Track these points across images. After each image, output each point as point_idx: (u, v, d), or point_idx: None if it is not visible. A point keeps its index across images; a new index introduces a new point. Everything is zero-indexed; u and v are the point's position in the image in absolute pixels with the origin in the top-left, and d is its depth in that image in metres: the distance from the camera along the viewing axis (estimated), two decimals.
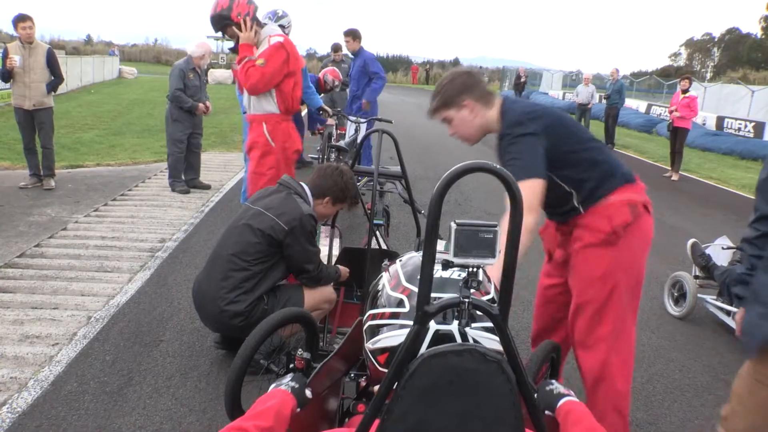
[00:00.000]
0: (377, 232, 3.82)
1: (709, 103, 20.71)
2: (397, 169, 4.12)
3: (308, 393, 1.53)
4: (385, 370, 1.23)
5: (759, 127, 17.07)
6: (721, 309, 4.64)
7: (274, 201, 3.25)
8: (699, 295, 4.79)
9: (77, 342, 3.66)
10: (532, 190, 2.08)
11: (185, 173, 7.89)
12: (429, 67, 58.44)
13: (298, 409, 1.50)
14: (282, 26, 5.45)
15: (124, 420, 2.95)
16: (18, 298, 4.21)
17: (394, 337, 1.28)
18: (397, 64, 66.66)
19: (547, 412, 1.49)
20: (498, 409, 1.08)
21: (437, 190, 1.06)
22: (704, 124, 18.56)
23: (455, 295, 1.11)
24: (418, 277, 1.26)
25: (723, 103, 20.50)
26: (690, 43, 74.38)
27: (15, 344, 3.58)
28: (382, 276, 1.40)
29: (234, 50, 4.22)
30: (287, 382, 1.55)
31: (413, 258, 1.40)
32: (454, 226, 1.08)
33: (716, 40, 71.37)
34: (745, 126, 17.69)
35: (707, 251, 4.90)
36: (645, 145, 16.91)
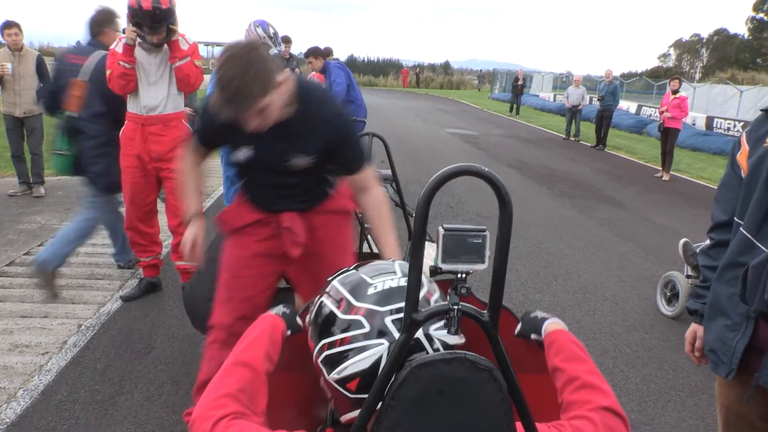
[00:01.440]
0: (368, 236, 3.80)
1: (699, 103, 20.83)
2: (388, 172, 4.10)
3: (299, 322, 1.52)
4: (360, 396, 1.17)
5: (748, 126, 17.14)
6: None
7: None
8: None
9: (67, 350, 3.62)
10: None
11: None
12: (419, 70, 58.54)
13: (289, 333, 1.49)
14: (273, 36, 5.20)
15: (116, 429, 2.92)
16: (7, 306, 4.17)
17: (362, 360, 1.18)
18: (387, 68, 66.75)
19: (534, 336, 1.54)
20: (490, 417, 1.05)
21: (424, 193, 1.03)
22: (694, 125, 18.65)
23: (444, 302, 1.08)
24: (368, 292, 1.23)
25: (712, 104, 20.63)
26: (679, 44, 74.86)
27: (4, 354, 3.54)
28: (320, 303, 1.31)
29: (157, 45, 4.01)
30: (276, 308, 1.55)
31: (348, 276, 1.33)
32: (441, 231, 1.05)
33: (704, 40, 71.88)
34: (735, 126, 17.81)
35: (699, 250, 4.91)
36: (636, 145, 16.98)
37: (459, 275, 1.08)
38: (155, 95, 4.20)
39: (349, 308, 1.22)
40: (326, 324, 1.22)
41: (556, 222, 7.87)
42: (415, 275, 1.04)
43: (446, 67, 73.22)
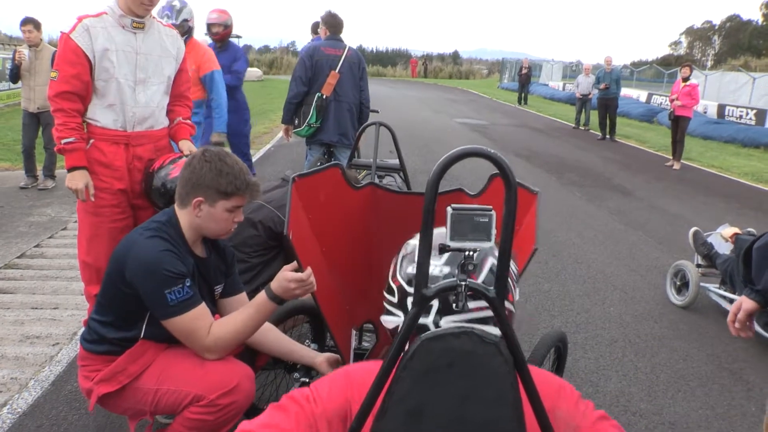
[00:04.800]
0: None
1: (710, 91, 20.64)
2: (395, 161, 4.10)
3: None
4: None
5: (761, 114, 16.99)
6: (724, 297, 4.61)
7: (275, 194, 3.24)
8: (701, 284, 4.76)
9: (78, 341, 3.65)
10: None
11: None
12: (427, 60, 58.28)
13: None
14: (186, 20, 5.01)
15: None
16: (18, 298, 4.20)
17: (389, 321, 1.34)
18: (396, 58, 66.61)
19: None
20: (497, 390, 1.10)
21: (433, 174, 1.07)
22: (705, 113, 18.49)
23: (453, 278, 1.12)
24: (409, 269, 1.31)
25: (724, 91, 20.43)
26: (690, 31, 74.15)
27: (15, 345, 3.58)
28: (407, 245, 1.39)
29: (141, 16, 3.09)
30: None
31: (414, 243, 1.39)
32: (450, 210, 1.08)
33: (717, 27, 71.13)
34: (747, 114, 17.62)
35: (709, 240, 4.88)
36: (646, 134, 16.86)
37: (467, 253, 1.12)
38: (146, 99, 3.14)
39: (393, 276, 1.34)
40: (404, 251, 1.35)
41: (566, 211, 7.84)
42: (425, 253, 1.09)
43: (455, 56, 72.91)
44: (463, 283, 1.10)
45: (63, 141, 2.97)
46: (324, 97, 5.58)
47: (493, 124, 18.18)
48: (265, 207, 3.13)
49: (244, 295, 2.52)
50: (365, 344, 2.90)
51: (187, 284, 2.07)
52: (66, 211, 6.42)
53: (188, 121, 3.40)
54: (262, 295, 2.20)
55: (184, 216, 2.23)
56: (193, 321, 2.09)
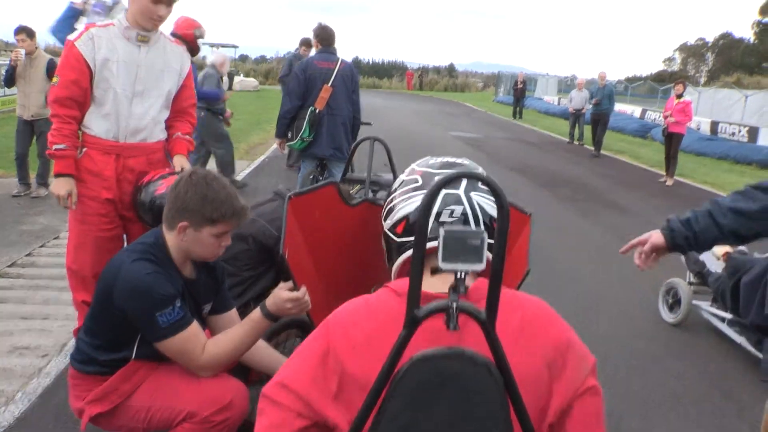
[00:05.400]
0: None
1: (704, 107, 20.80)
2: (389, 176, 4.09)
3: None
4: (404, 239, 1.38)
5: (753, 131, 17.14)
6: (716, 316, 4.62)
7: (266, 208, 3.22)
8: (694, 302, 4.77)
9: (67, 353, 3.61)
10: None
11: (222, 173, 8.26)
12: (422, 72, 58.49)
13: None
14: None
15: None
16: (8, 308, 4.17)
17: (408, 204, 1.37)
18: (391, 70, 66.81)
19: None
20: (487, 410, 1.12)
21: (426, 197, 1.09)
22: (698, 129, 18.63)
23: (445, 300, 1.11)
24: (430, 162, 1.42)
25: (717, 108, 20.60)
26: (684, 48, 74.80)
27: (4, 356, 3.54)
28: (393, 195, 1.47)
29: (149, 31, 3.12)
30: None
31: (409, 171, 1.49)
32: (442, 232, 1.09)
33: (710, 44, 71.80)
34: (739, 131, 17.76)
35: (701, 257, 4.89)
36: (640, 150, 16.94)
37: (458, 274, 1.13)
38: (142, 112, 3.12)
39: (411, 172, 1.43)
40: (392, 187, 1.46)
41: (560, 226, 7.85)
42: (417, 274, 1.10)
43: (451, 69, 73.22)
44: (455, 304, 1.09)
45: (54, 147, 2.99)
46: (317, 111, 5.58)
47: (487, 137, 18.24)
48: (257, 221, 3.12)
49: (234, 311, 2.50)
50: None
51: (178, 305, 2.05)
52: (58, 219, 6.39)
53: (187, 137, 3.37)
54: (256, 312, 2.19)
55: (170, 238, 2.20)
56: (186, 341, 2.07)
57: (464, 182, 1.33)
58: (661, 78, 52.90)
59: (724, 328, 4.52)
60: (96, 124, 3.07)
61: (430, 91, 49.00)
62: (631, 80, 40.65)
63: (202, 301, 2.34)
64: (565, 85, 34.57)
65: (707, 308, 4.70)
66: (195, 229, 2.14)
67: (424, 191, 1.28)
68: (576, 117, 17.14)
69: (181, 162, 3.27)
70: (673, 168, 11.81)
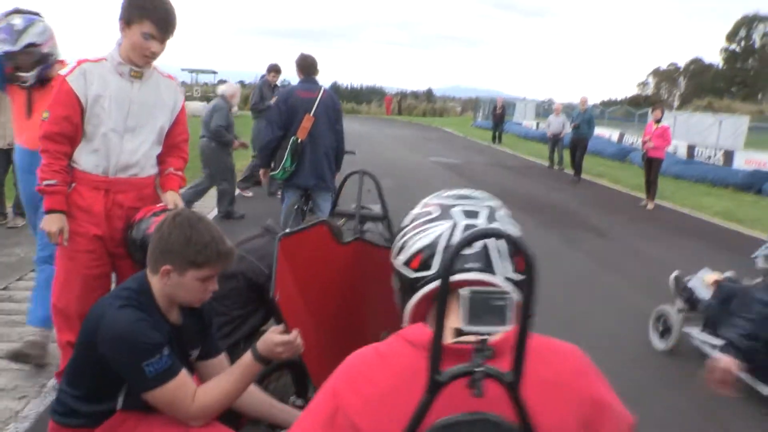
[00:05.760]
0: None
1: (679, 131, 21.08)
2: (377, 208, 4.06)
3: None
4: (420, 274, 1.25)
5: (728, 154, 17.42)
6: (707, 343, 4.60)
7: (255, 244, 3.15)
8: (684, 329, 4.75)
9: (46, 394, 3.47)
10: None
11: (218, 205, 8.48)
12: (400, 98, 58.90)
13: None
14: (33, 45, 3.54)
15: None
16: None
17: (424, 237, 1.26)
18: (371, 95, 67.24)
19: None
20: None
21: (446, 261, 1.03)
22: (675, 153, 18.88)
23: (468, 363, 1.05)
24: (444, 194, 1.33)
25: (692, 131, 20.91)
26: (657, 73, 76.46)
27: None
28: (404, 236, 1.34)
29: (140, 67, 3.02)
30: None
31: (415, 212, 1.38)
32: (466, 293, 1.05)
33: (681, 69, 73.49)
34: (715, 154, 18.05)
35: (689, 284, 4.88)
36: (619, 173, 17.13)
37: (482, 337, 1.07)
38: (134, 148, 3.06)
39: (423, 206, 1.33)
40: (404, 223, 1.34)
41: (542, 253, 7.82)
42: (438, 334, 1.03)
43: (429, 94, 73.92)
44: (480, 369, 1.04)
45: (44, 182, 2.93)
46: (299, 141, 5.54)
47: (467, 162, 18.33)
48: (246, 258, 3.04)
49: (223, 356, 2.39)
50: None
51: (165, 353, 1.95)
52: (35, 251, 6.22)
53: (179, 173, 3.31)
54: (247, 356, 2.10)
55: (155, 282, 2.10)
56: (175, 391, 1.97)
57: (485, 213, 1.26)
58: (636, 102, 53.92)
59: (716, 354, 4.49)
60: (85, 159, 3.01)
61: (409, 116, 49.32)
62: (606, 104, 41.35)
63: (189, 347, 2.24)
64: (543, 110, 34.94)
65: (698, 335, 4.68)
66: (179, 273, 2.04)
67: (441, 222, 1.24)
68: (554, 141, 17.32)
69: (173, 199, 3.19)
70: (653, 192, 11.93)
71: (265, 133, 5.76)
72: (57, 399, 2.13)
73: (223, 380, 2.08)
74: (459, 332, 1.09)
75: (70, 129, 2.94)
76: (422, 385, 1.06)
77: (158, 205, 3.10)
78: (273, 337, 2.06)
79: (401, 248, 1.31)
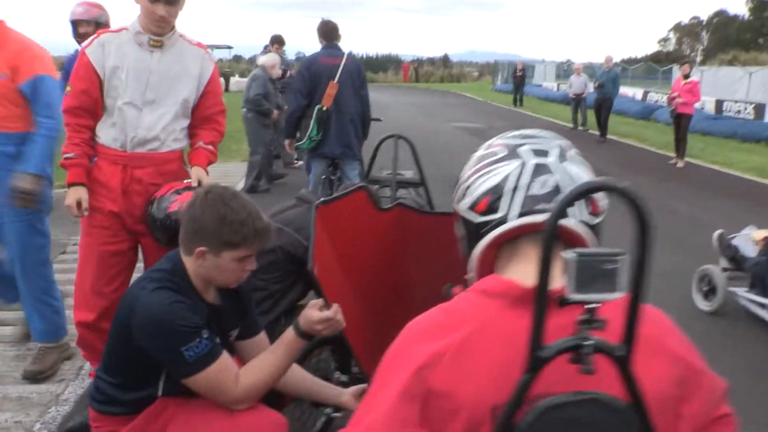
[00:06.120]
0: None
1: (706, 86, 20.54)
2: (409, 174, 3.94)
3: None
4: (488, 217, 1.14)
5: (759, 108, 16.94)
6: (755, 302, 4.45)
7: (291, 216, 3.05)
8: (730, 288, 4.60)
9: (84, 377, 3.44)
10: None
11: (246, 178, 8.51)
12: (418, 65, 58.29)
13: None
14: None
15: None
16: (19, 330, 3.98)
17: (491, 178, 1.15)
18: (386, 64, 66.65)
19: None
20: None
21: (554, 214, 0.92)
22: (703, 108, 18.41)
23: (573, 336, 0.94)
24: (510, 134, 1.22)
25: (720, 86, 20.37)
26: (678, 28, 74.60)
27: (18, 383, 3.36)
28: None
29: (160, 35, 2.90)
30: None
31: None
32: (572, 256, 0.92)
33: (704, 23, 71.50)
34: (746, 108, 17.56)
35: (734, 242, 4.72)
36: (645, 132, 16.75)
37: (591, 306, 0.94)
38: (152, 121, 2.91)
39: (488, 147, 1.23)
40: (467, 167, 1.23)
41: None
42: (540, 309, 0.92)
43: (445, 60, 73.07)
44: (589, 342, 0.92)
45: (64, 156, 2.88)
46: (324, 108, 5.39)
47: (490, 127, 18.03)
48: (284, 230, 2.94)
49: (263, 335, 2.30)
50: None
51: (205, 336, 1.85)
52: (64, 233, 6.19)
53: (209, 147, 3.11)
54: (289, 333, 2.00)
55: (189, 263, 1.99)
56: (218, 375, 1.87)
57: (555, 152, 1.15)
58: (657, 59, 52.63)
59: (765, 314, 4.36)
60: (105, 133, 2.93)
61: (427, 83, 48.78)
62: (628, 62, 40.40)
63: (228, 327, 2.15)
64: (563, 71, 34.31)
65: (744, 294, 4.54)
66: (214, 254, 1.93)
67: (509, 161, 1.14)
68: (577, 102, 16.96)
69: (198, 175, 3.01)
70: (683, 149, 11.64)
71: (289, 103, 5.63)
72: (95, 386, 2.06)
73: (265, 359, 2.00)
74: (565, 302, 0.96)
75: (89, 102, 2.87)
76: (503, 337, 1.01)
77: (183, 182, 2.96)
78: (312, 313, 1.96)
79: (465, 191, 1.20)
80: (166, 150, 2.99)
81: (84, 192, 2.88)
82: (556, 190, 1.11)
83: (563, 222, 1.09)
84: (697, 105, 11.83)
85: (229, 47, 38.28)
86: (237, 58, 54.65)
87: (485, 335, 1.03)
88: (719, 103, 18.61)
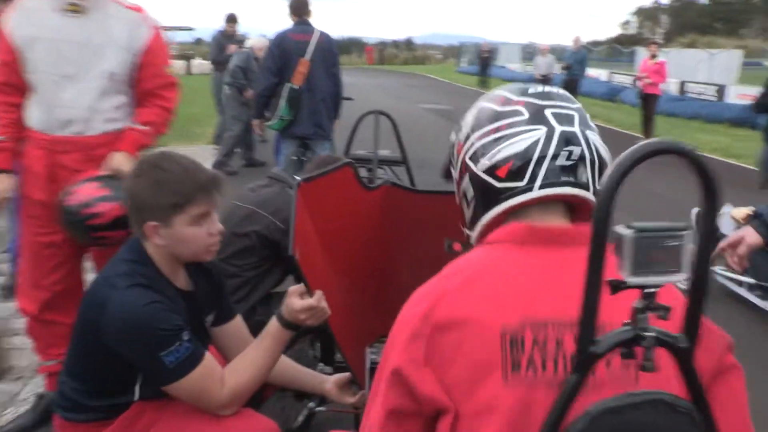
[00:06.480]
0: None
1: (669, 68, 20.89)
2: (388, 152, 3.79)
3: None
4: (508, 184, 1.09)
5: (721, 90, 17.22)
6: (733, 280, 4.44)
7: (264, 196, 2.85)
8: None
9: (44, 375, 3.21)
10: None
11: (243, 153, 8.50)
12: (381, 47, 58.12)
13: None
14: None
15: None
16: None
17: (517, 143, 1.08)
18: (350, 46, 66.05)
19: None
20: None
21: (608, 182, 0.79)
22: (666, 90, 18.66)
23: (628, 328, 0.81)
24: (529, 90, 1.14)
25: (682, 68, 20.63)
26: (640, 11, 75.72)
27: None
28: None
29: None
30: None
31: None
32: (629, 233, 0.79)
33: (664, 7, 72.73)
34: (708, 90, 17.82)
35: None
36: (611, 113, 16.87)
37: (649, 290, 0.81)
38: (72, 99, 2.55)
39: (509, 102, 1.15)
40: (481, 118, 1.16)
41: None
42: (592, 297, 0.79)
43: (409, 43, 72.92)
44: (650, 334, 0.79)
45: None
46: (295, 87, 5.18)
47: (458, 108, 17.94)
48: (258, 213, 2.75)
49: (239, 319, 2.12)
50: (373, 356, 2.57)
51: (185, 338, 1.65)
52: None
53: (143, 128, 2.68)
54: (273, 324, 1.83)
55: (150, 248, 1.78)
56: (201, 379, 1.68)
57: (577, 119, 1.11)
58: (619, 41, 53.31)
59: (743, 292, 4.35)
60: (30, 113, 2.59)
61: (391, 65, 48.52)
62: (592, 44, 40.77)
63: (204, 312, 1.96)
64: (527, 53, 34.44)
65: (722, 272, 4.52)
66: (166, 225, 1.71)
67: (535, 126, 1.08)
68: (544, 83, 16.90)
69: (115, 163, 2.55)
70: (650, 130, 11.73)
71: (258, 81, 5.40)
72: (60, 392, 1.83)
73: (250, 356, 1.82)
74: (619, 287, 0.83)
75: (14, 77, 2.53)
76: (509, 271, 1.02)
77: (97, 171, 2.54)
78: (293, 302, 1.78)
79: (483, 151, 1.13)
80: (96, 132, 2.61)
81: (7, 180, 2.57)
82: (581, 160, 1.09)
83: (582, 194, 1.08)
84: (662, 86, 11.95)
85: (190, 29, 37.40)
86: (198, 41, 53.37)
87: (490, 271, 1.03)
88: (683, 85, 18.86)
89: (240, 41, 9.58)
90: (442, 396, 0.96)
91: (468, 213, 1.19)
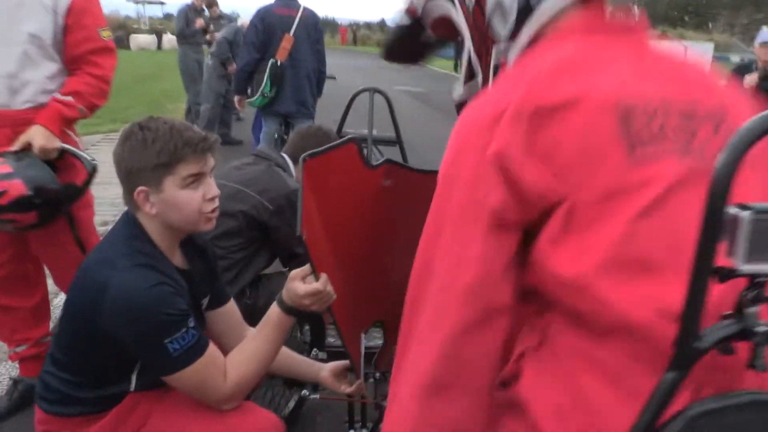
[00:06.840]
0: None
1: None
2: (380, 133, 3.69)
3: None
4: None
5: None
6: None
7: (251, 174, 2.72)
8: None
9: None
10: None
11: (219, 129, 7.93)
12: (355, 29, 57.88)
13: None
14: None
15: None
16: None
17: None
18: (324, 27, 65.55)
19: None
20: None
21: (728, 158, 0.67)
22: None
23: (736, 322, 0.72)
24: None
25: None
26: (610, 2, 76.39)
27: None
28: None
29: None
30: None
31: None
32: (747, 214, 0.68)
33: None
34: None
35: None
36: None
37: (761, 279, 0.71)
38: None
39: None
40: None
41: None
42: (701, 279, 0.69)
43: (382, 24, 72.59)
44: (764, 328, 0.70)
45: None
46: (278, 63, 5.02)
47: (433, 91, 17.93)
48: (245, 192, 2.62)
49: (232, 303, 2.02)
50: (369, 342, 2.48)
51: (191, 325, 1.54)
52: None
53: (65, 98, 2.38)
54: (275, 311, 1.71)
55: (144, 220, 1.65)
56: (205, 370, 1.56)
57: None
58: None
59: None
60: None
61: (364, 47, 48.13)
62: None
63: (200, 295, 1.84)
64: None
65: None
66: (156, 190, 1.59)
67: None
68: None
69: (29, 136, 2.28)
70: None
71: (240, 56, 5.24)
72: (44, 383, 1.68)
73: (251, 345, 1.70)
74: (728, 276, 0.73)
75: None
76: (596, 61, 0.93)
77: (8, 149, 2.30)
78: (297, 286, 1.66)
79: None
80: (25, 106, 2.35)
81: None
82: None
83: None
84: None
85: (161, 2, 36.50)
86: (168, 16, 52.13)
87: (578, 56, 0.92)
88: None
89: (231, 18, 9.37)
90: (553, 183, 0.84)
91: (502, 26, 1.07)
